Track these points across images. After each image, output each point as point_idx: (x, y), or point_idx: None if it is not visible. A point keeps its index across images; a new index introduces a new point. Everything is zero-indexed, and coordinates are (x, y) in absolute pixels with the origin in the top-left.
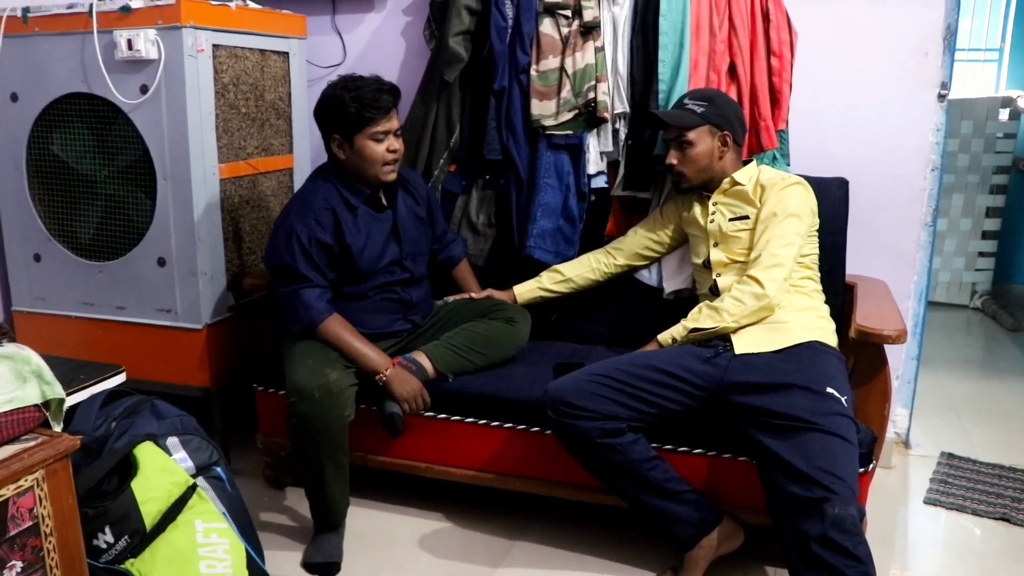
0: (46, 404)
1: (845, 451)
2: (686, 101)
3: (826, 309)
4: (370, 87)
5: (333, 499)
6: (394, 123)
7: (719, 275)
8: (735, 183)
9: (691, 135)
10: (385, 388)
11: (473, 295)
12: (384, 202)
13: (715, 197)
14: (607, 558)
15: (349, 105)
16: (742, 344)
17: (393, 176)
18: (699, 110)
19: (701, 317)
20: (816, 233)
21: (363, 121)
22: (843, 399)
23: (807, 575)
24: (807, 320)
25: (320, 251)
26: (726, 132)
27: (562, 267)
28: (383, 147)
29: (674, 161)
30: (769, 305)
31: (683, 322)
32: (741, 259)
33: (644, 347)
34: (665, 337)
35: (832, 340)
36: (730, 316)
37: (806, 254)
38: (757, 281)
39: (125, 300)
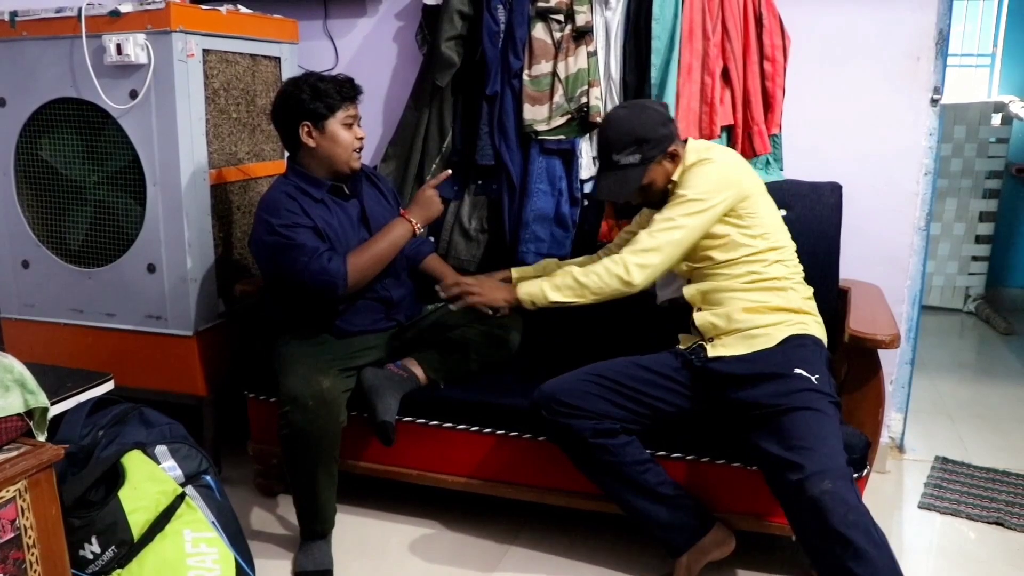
0: (29, 413)
1: (815, 420)
2: (616, 157)
3: (801, 297)
4: (333, 77)
5: (324, 507)
6: (358, 112)
7: (688, 281)
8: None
9: (643, 182)
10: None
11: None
12: (347, 191)
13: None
14: (599, 564)
15: (325, 88)
16: (715, 351)
17: (359, 163)
18: (635, 159)
19: (564, 289)
20: (756, 212)
21: (336, 104)
22: (813, 377)
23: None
24: (780, 320)
25: (304, 228)
26: (668, 150)
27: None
28: (352, 133)
29: (639, 202)
30: (630, 292)
31: (545, 291)
32: (699, 265)
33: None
34: (524, 295)
35: (814, 330)
36: (592, 294)
37: (759, 235)
38: (626, 266)
39: (115, 307)
